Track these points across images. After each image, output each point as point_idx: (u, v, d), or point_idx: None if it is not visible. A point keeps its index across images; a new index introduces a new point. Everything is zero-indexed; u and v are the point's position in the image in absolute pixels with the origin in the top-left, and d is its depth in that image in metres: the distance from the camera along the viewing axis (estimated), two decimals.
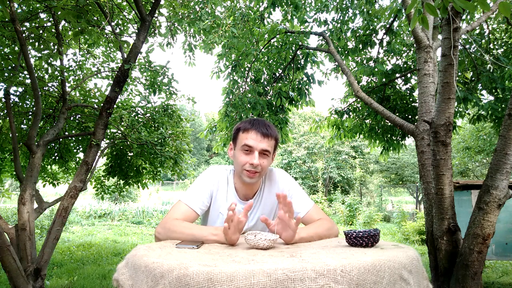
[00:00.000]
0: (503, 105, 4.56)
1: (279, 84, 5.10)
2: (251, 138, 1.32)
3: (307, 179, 20.32)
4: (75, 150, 4.68)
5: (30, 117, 4.19)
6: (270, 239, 1.11)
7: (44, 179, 4.97)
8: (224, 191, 1.43)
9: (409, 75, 5.21)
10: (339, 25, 5.04)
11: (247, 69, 5.04)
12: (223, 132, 5.13)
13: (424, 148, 2.87)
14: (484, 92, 4.96)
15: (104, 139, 3.86)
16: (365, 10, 4.85)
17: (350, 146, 19.61)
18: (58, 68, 3.76)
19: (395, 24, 4.99)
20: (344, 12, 5.01)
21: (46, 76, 4.07)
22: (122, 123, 4.01)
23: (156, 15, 3.94)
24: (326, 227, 1.37)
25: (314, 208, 1.46)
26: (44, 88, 3.98)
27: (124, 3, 4.15)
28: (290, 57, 4.87)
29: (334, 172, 19.56)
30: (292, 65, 4.96)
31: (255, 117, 4.24)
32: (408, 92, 5.37)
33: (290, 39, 4.74)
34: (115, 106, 3.67)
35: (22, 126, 4.27)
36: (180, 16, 4.09)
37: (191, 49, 4.97)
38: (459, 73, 4.71)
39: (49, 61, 3.68)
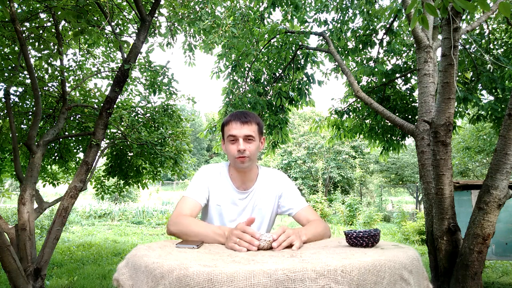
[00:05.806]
0: (503, 105, 4.56)
1: (279, 84, 5.10)
2: (233, 128, 1.45)
3: (307, 179, 20.31)
4: (75, 150, 4.68)
5: (30, 117, 4.19)
6: (270, 240, 1.11)
7: (44, 179, 4.96)
8: (220, 184, 1.52)
9: (409, 75, 5.20)
10: (339, 25, 5.04)
11: (247, 69, 5.04)
12: None
13: (424, 148, 2.87)
14: (484, 92, 4.96)
15: (104, 139, 3.86)
16: (365, 10, 4.84)
17: (350, 146, 19.60)
18: (58, 68, 3.76)
19: (395, 24, 4.99)
20: (344, 12, 5.01)
21: (46, 76, 4.06)
22: (122, 123, 4.01)
23: (156, 15, 3.94)
24: (322, 228, 1.43)
25: (308, 208, 1.54)
26: (44, 88, 3.97)
27: (124, 3, 4.14)
28: (290, 57, 4.87)
29: (334, 172, 19.56)
30: (292, 65, 4.95)
31: None
32: (408, 92, 5.36)
33: (290, 39, 4.73)
34: (115, 106, 3.67)
35: (22, 126, 4.27)
36: (180, 16, 4.09)
37: (191, 49, 4.96)
38: (459, 73, 4.71)
39: (49, 61, 3.68)
